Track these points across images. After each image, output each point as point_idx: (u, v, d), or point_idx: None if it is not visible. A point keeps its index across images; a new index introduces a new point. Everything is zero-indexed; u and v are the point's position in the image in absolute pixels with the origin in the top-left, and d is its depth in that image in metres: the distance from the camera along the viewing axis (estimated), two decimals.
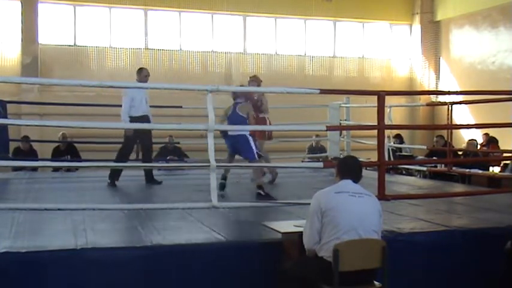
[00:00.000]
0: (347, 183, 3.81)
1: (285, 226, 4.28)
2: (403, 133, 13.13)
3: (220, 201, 4.87)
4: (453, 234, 4.78)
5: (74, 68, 13.97)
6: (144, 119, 7.67)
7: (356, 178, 3.86)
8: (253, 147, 6.74)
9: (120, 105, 10.36)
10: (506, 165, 9.82)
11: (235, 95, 7.05)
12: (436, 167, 9.63)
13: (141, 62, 14.82)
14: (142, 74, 7.71)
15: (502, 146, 11.12)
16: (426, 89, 16.59)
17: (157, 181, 7.88)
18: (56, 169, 9.91)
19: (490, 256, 4.64)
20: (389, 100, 6.54)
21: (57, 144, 11.35)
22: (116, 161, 7.76)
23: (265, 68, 15.80)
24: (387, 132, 9.14)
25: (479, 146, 11.15)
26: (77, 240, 4.17)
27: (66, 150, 11.19)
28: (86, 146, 11.77)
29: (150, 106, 11.21)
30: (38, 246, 4.02)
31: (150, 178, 7.94)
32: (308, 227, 3.75)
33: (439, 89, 16.56)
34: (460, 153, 10.47)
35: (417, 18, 17.07)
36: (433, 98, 14.61)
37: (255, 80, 7.62)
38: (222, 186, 6.86)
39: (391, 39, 17.32)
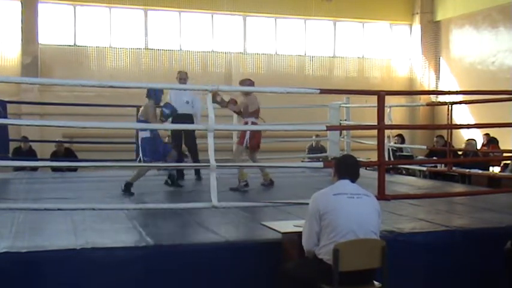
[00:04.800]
0: (345, 184, 3.77)
1: (285, 226, 4.27)
2: (403, 133, 13.14)
3: (220, 201, 4.86)
4: (453, 234, 4.77)
5: (74, 68, 13.97)
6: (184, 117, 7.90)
7: (354, 177, 3.82)
8: (149, 150, 6.86)
9: (119, 105, 10.42)
10: (506, 165, 9.82)
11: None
12: (436, 167, 9.63)
13: (141, 62, 14.87)
14: (178, 77, 8.15)
15: (502, 146, 11.11)
16: (426, 89, 16.59)
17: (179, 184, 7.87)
18: (55, 169, 9.90)
19: (490, 256, 4.64)
20: (389, 100, 6.55)
21: (54, 149, 11.34)
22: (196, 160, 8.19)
23: (265, 68, 15.81)
24: (387, 132, 9.14)
25: (479, 146, 11.14)
26: (77, 240, 4.17)
27: (64, 155, 11.16)
28: (86, 146, 11.78)
29: None
30: (38, 246, 4.02)
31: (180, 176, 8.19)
32: (307, 229, 3.74)
33: (439, 89, 16.56)
34: (460, 153, 10.46)
35: (417, 18, 17.08)
36: (433, 98, 14.60)
37: (241, 84, 7.57)
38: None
39: (391, 39, 17.32)
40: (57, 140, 11.56)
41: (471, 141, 10.21)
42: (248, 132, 7.34)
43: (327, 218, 3.61)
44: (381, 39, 17.19)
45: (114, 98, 10.63)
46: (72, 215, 4.98)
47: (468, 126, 13.37)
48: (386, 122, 6.14)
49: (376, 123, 5.30)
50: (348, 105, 10.17)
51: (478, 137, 11.92)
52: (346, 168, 3.86)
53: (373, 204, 3.78)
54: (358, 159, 4.13)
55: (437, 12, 16.87)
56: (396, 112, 12.81)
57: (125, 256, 4.00)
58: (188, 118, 7.94)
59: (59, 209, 4.89)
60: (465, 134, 13.63)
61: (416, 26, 17.14)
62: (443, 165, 9.16)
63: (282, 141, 11.03)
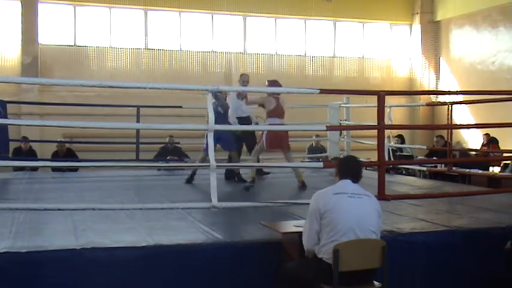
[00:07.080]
0: (346, 184, 3.79)
1: (285, 226, 4.28)
2: (403, 133, 13.13)
3: (220, 201, 4.86)
4: (453, 234, 4.78)
5: (74, 68, 13.97)
6: (248, 119, 8.34)
7: (356, 178, 3.84)
8: None
9: (119, 105, 10.43)
10: (506, 165, 9.82)
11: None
12: (436, 167, 9.63)
13: (141, 62, 14.87)
14: (241, 79, 8.34)
15: (502, 146, 11.12)
16: (426, 89, 16.58)
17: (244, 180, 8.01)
18: (55, 169, 9.90)
19: (490, 256, 4.64)
20: (389, 100, 6.54)
21: (55, 149, 11.34)
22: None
23: (265, 68, 15.80)
24: (387, 132, 9.14)
25: (479, 146, 11.14)
26: (77, 240, 4.17)
27: (65, 155, 11.15)
28: (86, 146, 11.78)
29: (150, 106, 11.20)
30: (38, 246, 4.02)
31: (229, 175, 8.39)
32: (307, 228, 3.75)
33: (439, 89, 16.56)
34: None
35: (417, 18, 17.07)
36: (433, 98, 14.60)
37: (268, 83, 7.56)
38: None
39: (391, 39, 17.31)
40: (57, 140, 11.56)
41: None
42: (265, 133, 7.40)
43: (327, 216, 3.62)
44: (380, 39, 17.18)
45: (114, 98, 10.62)
46: (72, 215, 4.98)
47: (468, 126, 13.39)
48: (387, 122, 6.15)
49: (376, 123, 5.31)
50: (348, 105, 10.16)
51: (478, 137, 11.93)
52: (348, 168, 3.89)
53: (373, 205, 3.78)
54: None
55: (437, 12, 16.87)
56: (396, 112, 12.79)
57: (124, 256, 4.00)
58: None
59: (59, 209, 4.89)
60: (465, 134, 13.64)
61: (416, 26, 17.13)
62: (443, 165, 9.17)
63: None
